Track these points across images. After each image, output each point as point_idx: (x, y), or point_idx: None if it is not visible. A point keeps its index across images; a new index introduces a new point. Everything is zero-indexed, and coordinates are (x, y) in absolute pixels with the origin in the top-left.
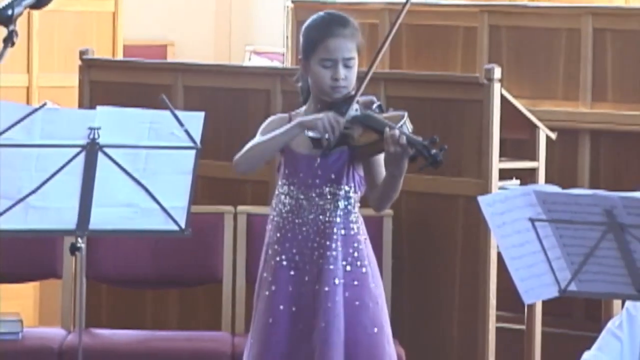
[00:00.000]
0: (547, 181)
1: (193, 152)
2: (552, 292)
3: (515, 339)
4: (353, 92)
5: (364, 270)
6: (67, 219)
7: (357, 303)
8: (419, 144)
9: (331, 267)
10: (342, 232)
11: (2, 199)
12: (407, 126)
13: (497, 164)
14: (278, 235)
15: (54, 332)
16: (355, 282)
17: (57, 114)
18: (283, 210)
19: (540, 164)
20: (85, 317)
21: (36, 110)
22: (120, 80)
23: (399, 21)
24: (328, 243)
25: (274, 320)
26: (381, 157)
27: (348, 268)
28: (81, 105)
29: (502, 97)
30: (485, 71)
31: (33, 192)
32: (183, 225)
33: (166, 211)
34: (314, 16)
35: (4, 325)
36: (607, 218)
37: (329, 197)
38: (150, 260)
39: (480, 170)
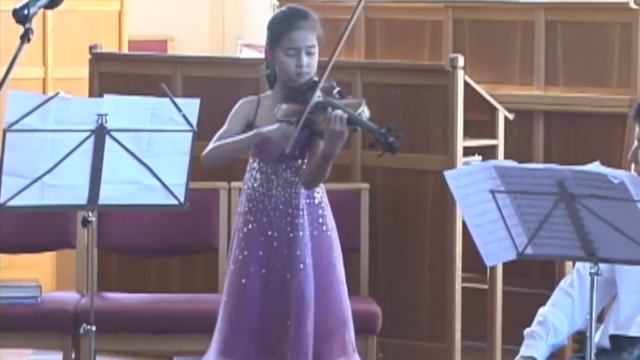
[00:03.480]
0: (505, 157)
1: (190, 134)
2: (511, 255)
3: (479, 297)
4: (316, 79)
5: (328, 233)
6: (79, 195)
7: (324, 263)
8: (377, 132)
9: (300, 233)
10: (307, 201)
11: (21, 178)
12: (365, 112)
13: (461, 142)
14: (250, 205)
15: (69, 296)
16: (322, 246)
17: (69, 102)
18: (255, 184)
19: (500, 142)
20: (97, 282)
21: (50, 99)
22: (125, 72)
23: (355, 17)
24: (295, 212)
25: (246, 281)
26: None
27: (315, 233)
28: (91, 95)
29: (465, 83)
30: (450, 60)
31: (48, 171)
32: (182, 200)
33: (167, 187)
34: (277, 11)
35: (25, 291)
36: (558, 189)
37: (294, 170)
38: (154, 232)
39: (446, 148)
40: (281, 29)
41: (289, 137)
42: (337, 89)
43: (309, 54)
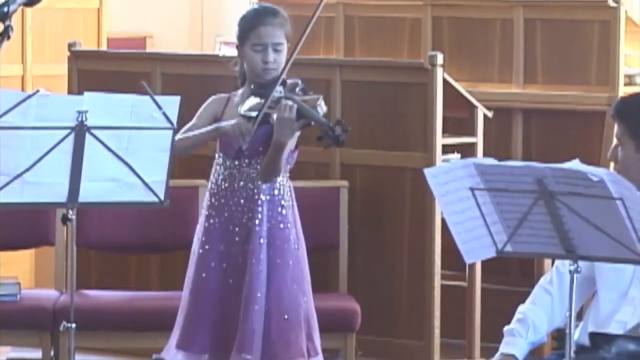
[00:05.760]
0: (484, 155)
1: (170, 132)
2: (490, 253)
3: (458, 294)
4: (283, 76)
5: (286, 232)
6: (59, 193)
7: (278, 261)
8: (325, 125)
9: (257, 228)
10: (267, 197)
11: (0, 175)
12: (322, 107)
13: (440, 140)
14: (212, 200)
15: (48, 294)
16: (277, 242)
17: (49, 99)
18: (218, 179)
19: (479, 140)
20: (76, 280)
21: (30, 96)
22: (104, 69)
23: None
24: (254, 207)
25: (206, 275)
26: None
27: (272, 230)
28: (70, 92)
29: (444, 81)
30: (429, 57)
31: (28, 169)
32: (162, 197)
33: (147, 185)
34: (248, 8)
35: (4, 288)
36: (538, 186)
37: (256, 166)
38: (134, 229)
39: (425, 145)
40: (249, 24)
41: (246, 132)
42: (301, 86)
43: (275, 50)
